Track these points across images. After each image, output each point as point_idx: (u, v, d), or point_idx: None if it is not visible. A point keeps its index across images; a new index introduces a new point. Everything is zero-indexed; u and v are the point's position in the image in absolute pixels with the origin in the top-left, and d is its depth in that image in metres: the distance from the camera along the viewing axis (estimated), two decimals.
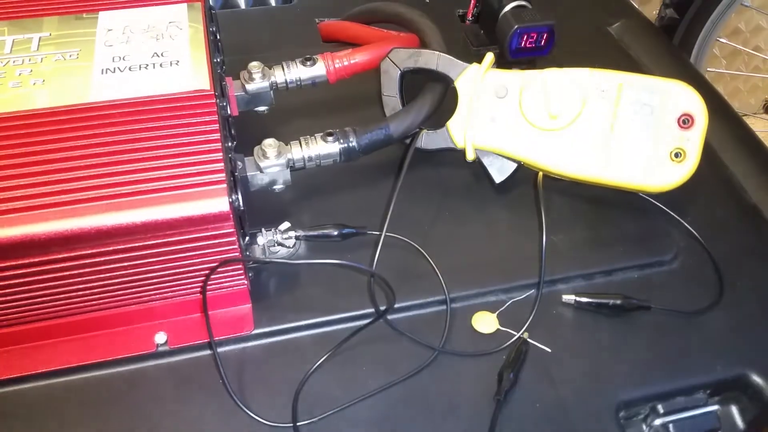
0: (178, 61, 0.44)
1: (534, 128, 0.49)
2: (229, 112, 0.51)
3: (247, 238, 0.45)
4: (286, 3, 0.76)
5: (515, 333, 0.44)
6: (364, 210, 0.51)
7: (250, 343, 0.44)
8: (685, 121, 0.47)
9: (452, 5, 0.72)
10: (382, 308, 0.44)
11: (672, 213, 0.51)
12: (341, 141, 0.48)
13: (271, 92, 0.53)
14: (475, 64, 0.50)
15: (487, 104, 0.50)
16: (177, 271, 0.40)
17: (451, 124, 0.51)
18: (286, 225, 0.47)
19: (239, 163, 0.47)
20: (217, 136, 0.40)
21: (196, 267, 0.40)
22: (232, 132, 0.50)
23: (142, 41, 0.45)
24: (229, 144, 0.48)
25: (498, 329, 0.45)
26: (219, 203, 0.37)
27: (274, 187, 0.49)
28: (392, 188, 0.51)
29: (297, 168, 0.49)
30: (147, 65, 0.43)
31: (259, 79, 0.52)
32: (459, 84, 0.50)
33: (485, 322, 0.45)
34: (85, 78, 0.42)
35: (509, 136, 0.50)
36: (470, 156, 0.51)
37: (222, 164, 0.39)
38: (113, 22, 0.46)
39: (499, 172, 0.52)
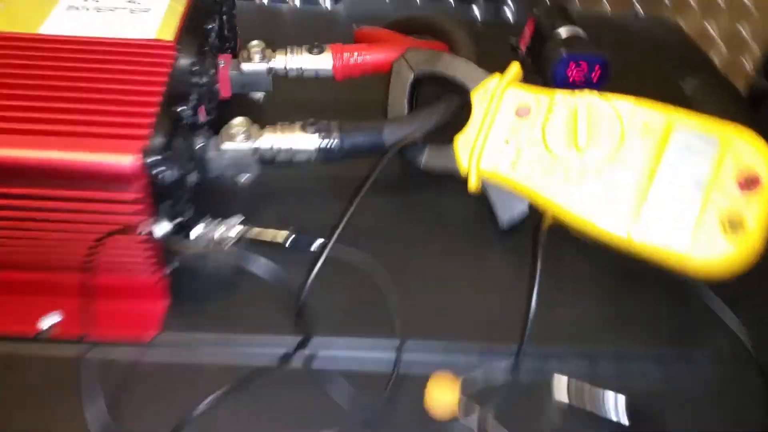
0: (149, 9, 0.38)
1: (554, 159, 0.40)
2: (216, 87, 0.45)
3: (176, 225, 0.37)
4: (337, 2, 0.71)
5: (477, 407, 0.34)
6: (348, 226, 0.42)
7: (150, 350, 0.36)
8: (749, 182, 0.37)
9: (507, 35, 0.65)
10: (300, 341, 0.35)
11: (717, 301, 0.40)
12: (321, 135, 0.41)
13: (269, 77, 0.47)
14: (497, 75, 0.43)
15: (504, 123, 0.42)
16: (73, 236, 0.33)
17: (459, 140, 0.43)
18: (236, 220, 0.40)
19: (202, 140, 0.41)
20: (160, 89, 0.34)
21: (93, 236, 0.33)
22: (212, 106, 0.44)
23: None
24: (198, 118, 0.42)
25: (458, 397, 0.35)
26: (126, 159, 0.31)
27: (240, 177, 0.42)
28: (390, 209, 0.43)
29: (266, 159, 0.42)
30: (116, 8, 0.39)
31: (257, 59, 0.46)
32: (475, 95, 0.43)
33: (443, 386, 0.35)
34: (45, 10, 0.38)
35: (522, 165, 0.41)
36: (473, 183, 0.42)
37: (152, 120, 0.32)
38: None
39: (506, 210, 0.43)
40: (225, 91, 0.48)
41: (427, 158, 0.44)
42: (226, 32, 0.49)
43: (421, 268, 0.42)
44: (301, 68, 0.47)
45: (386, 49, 0.48)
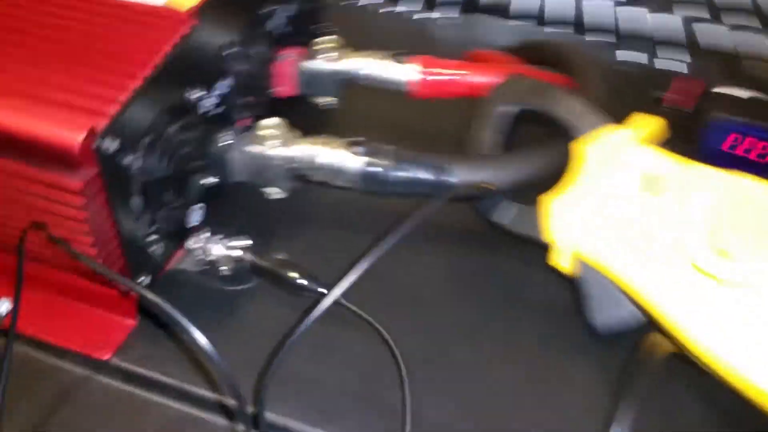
0: None
1: (688, 262, 0.27)
2: (266, 81, 0.37)
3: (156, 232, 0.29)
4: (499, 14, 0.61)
5: None
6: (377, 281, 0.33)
7: (98, 374, 0.29)
8: None
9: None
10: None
11: None
12: (370, 158, 0.32)
13: (337, 81, 0.39)
14: (624, 127, 0.31)
15: (622, 193, 0.29)
16: (16, 215, 0.26)
17: (553, 204, 0.31)
18: (242, 242, 0.31)
19: (228, 136, 0.33)
20: (151, 63, 0.26)
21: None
22: (256, 101, 0.36)
23: None
24: (235, 111, 0.34)
25: None
26: (73, 136, 0.23)
27: (268, 190, 0.34)
28: (444, 269, 0.33)
29: (299, 174, 0.33)
30: None
31: (323, 58, 0.38)
32: (587, 147, 0.31)
33: None
34: None
35: (638, 259, 0.28)
36: (564, 264, 0.31)
37: (126, 96, 0.24)
38: None
39: (604, 311, 0.30)
40: (289, 89, 0.40)
41: (505, 218, 0.33)
42: (303, 23, 0.41)
43: (464, 362, 0.30)
44: (374, 76, 0.38)
45: (488, 70, 0.38)
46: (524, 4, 0.57)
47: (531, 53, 0.47)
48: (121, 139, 0.24)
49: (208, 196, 0.33)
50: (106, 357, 0.29)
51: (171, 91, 0.27)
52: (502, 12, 0.57)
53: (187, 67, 0.28)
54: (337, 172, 0.32)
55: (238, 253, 0.31)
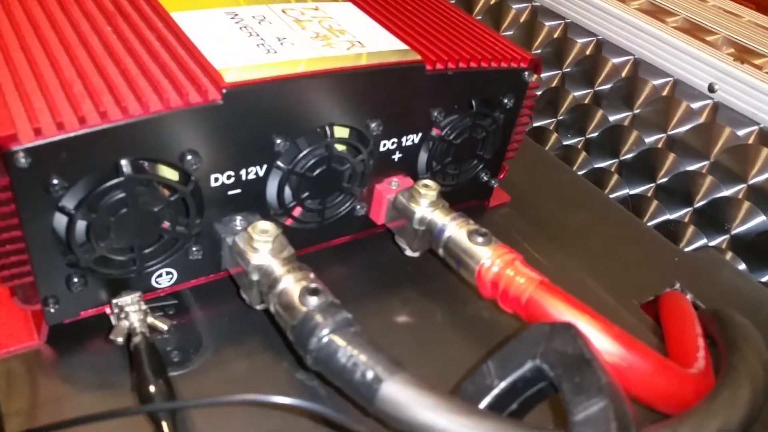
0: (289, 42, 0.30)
1: None
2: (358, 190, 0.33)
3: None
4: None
5: None
6: None
7: None
8: None
9: None
10: None
11: None
12: (312, 313, 0.25)
13: (413, 230, 0.33)
14: None
15: None
16: None
17: None
18: (160, 324, 0.28)
19: (240, 221, 0.30)
20: (136, 113, 0.24)
21: None
22: (321, 206, 0.32)
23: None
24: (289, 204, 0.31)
25: None
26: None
27: (245, 296, 0.30)
28: None
29: (262, 294, 0.28)
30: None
31: (407, 197, 0.33)
32: None
33: None
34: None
35: None
36: None
37: (82, 128, 0.23)
38: None
39: None
40: (377, 216, 0.36)
41: None
42: (439, 163, 0.36)
43: None
44: (452, 243, 0.31)
45: (567, 304, 0.27)
46: None
47: (707, 322, 0.34)
48: (46, 161, 0.23)
49: (189, 267, 0.30)
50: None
51: (158, 148, 0.26)
52: None
53: (185, 135, 0.26)
54: (285, 307, 0.26)
55: (140, 329, 0.27)
